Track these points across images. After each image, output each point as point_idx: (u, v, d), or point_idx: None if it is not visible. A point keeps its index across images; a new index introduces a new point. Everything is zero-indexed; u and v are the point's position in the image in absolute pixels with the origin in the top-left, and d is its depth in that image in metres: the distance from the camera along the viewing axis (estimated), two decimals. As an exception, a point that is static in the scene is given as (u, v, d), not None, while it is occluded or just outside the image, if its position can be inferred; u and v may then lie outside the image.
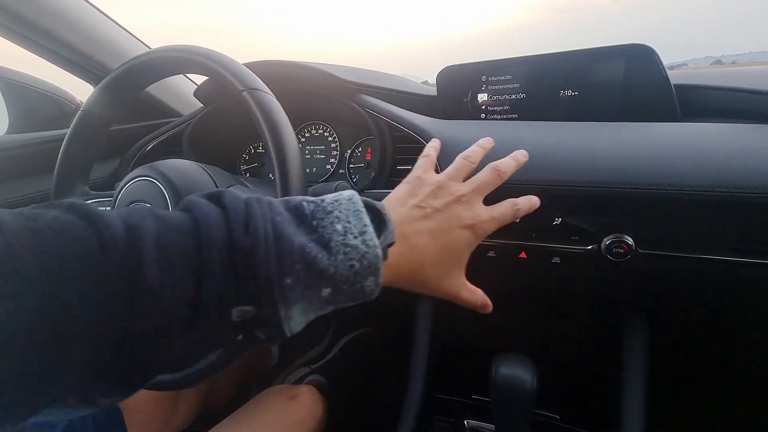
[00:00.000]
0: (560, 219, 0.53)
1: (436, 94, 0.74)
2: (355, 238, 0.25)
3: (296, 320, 0.25)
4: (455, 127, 0.61)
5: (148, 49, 0.53)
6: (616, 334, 0.58)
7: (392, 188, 0.63)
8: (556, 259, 0.54)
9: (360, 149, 0.79)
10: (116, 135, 0.84)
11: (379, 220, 0.28)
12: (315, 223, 0.26)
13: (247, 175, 0.89)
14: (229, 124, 0.81)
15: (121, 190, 0.48)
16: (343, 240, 0.25)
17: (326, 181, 0.82)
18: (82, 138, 0.55)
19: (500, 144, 0.55)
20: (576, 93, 0.63)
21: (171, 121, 0.81)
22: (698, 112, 0.56)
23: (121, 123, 0.87)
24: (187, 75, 0.97)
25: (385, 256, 0.27)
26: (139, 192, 0.47)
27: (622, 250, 0.48)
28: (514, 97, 0.68)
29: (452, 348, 0.74)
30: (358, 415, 0.75)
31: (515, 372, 0.47)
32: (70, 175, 0.56)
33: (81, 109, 0.55)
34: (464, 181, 0.39)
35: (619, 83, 0.59)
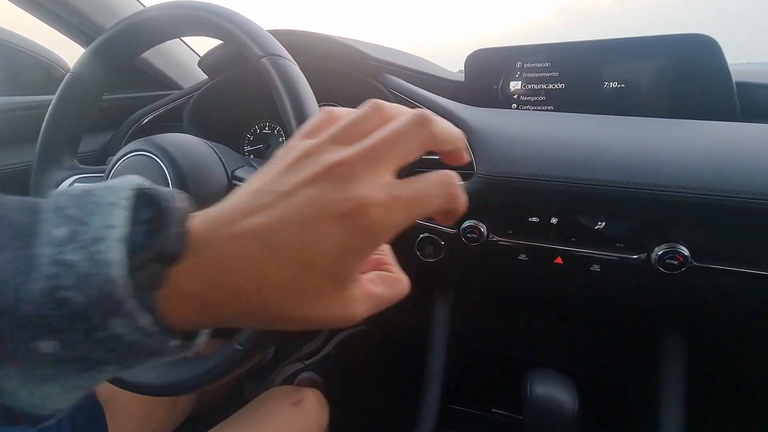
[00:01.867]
0: (604, 223, 0.48)
1: (462, 80, 0.68)
2: (79, 249, 0.15)
3: (27, 400, 0.16)
4: (497, 118, 0.55)
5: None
6: (651, 350, 0.54)
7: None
8: (596, 267, 0.49)
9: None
10: (110, 105, 0.76)
11: (160, 217, 0.17)
12: (44, 228, 0.16)
13: (251, 157, 0.82)
14: (235, 100, 0.74)
15: (114, 165, 0.42)
16: (56, 255, 0.15)
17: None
18: (70, 104, 0.49)
19: (541, 137, 0.50)
20: (622, 85, 0.57)
21: (170, 94, 0.74)
22: (761, 113, 0.51)
23: (115, 92, 0.79)
24: (189, 44, 0.89)
25: (157, 280, 0.17)
26: (134, 168, 0.41)
27: (676, 262, 0.43)
28: (551, 86, 0.62)
29: (468, 354, 0.69)
30: (365, 424, 0.71)
31: (553, 392, 0.42)
32: (55, 145, 0.49)
33: (69, 71, 0.49)
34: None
35: (673, 76, 0.54)
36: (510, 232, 0.51)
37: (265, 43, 0.39)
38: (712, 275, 0.44)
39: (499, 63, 0.65)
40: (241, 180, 0.42)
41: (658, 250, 0.44)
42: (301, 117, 0.37)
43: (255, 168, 0.47)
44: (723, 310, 0.48)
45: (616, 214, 0.47)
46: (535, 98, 0.64)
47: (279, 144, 0.80)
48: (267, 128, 0.81)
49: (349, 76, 0.63)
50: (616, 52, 0.57)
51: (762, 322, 0.48)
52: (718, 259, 0.43)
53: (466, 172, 0.52)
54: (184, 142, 0.42)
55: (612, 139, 0.47)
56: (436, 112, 0.55)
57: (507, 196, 0.49)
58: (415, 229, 0.55)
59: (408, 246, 0.56)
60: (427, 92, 0.58)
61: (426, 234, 0.55)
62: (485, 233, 0.51)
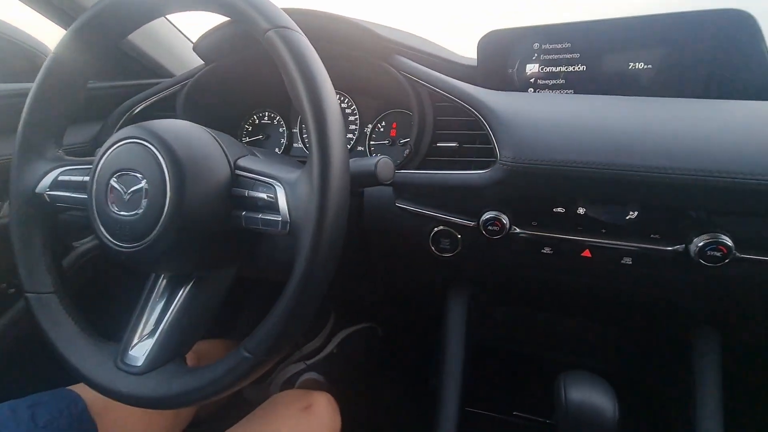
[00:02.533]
0: (636, 213, 0.45)
1: (475, 64, 0.64)
2: None
3: None
4: (520, 101, 0.51)
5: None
6: (683, 347, 0.51)
7: (428, 170, 0.56)
8: (627, 260, 0.46)
9: (383, 124, 0.69)
10: (98, 95, 0.72)
11: None
12: None
13: (250, 148, 0.78)
14: (232, 87, 0.70)
15: (103, 155, 0.38)
16: None
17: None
18: (52, 90, 0.44)
19: (569, 120, 0.46)
20: (650, 66, 0.53)
21: (162, 81, 0.70)
22: None
23: (104, 80, 0.74)
24: (180, 30, 0.84)
25: None
26: (126, 158, 0.36)
27: (719, 254, 0.40)
28: (571, 68, 0.58)
29: (485, 353, 0.66)
30: (377, 426, 0.68)
31: (591, 397, 0.39)
32: (37, 135, 0.45)
33: (51, 54, 0.44)
34: None
35: (707, 55, 0.50)
36: (534, 223, 0.48)
37: (271, 14, 0.34)
38: (757, 267, 0.41)
39: (515, 44, 0.61)
40: (244, 170, 0.38)
41: (699, 242, 0.40)
42: (315, 98, 0.33)
43: (258, 157, 0.42)
44: (763, 304, 0.45)
45: (652, 202, 0.43)
46: (554, 81, 0.60)
47: (280, 135, 0.76)
48: (266, 118, 0.77)
49: (356, 59, 0.59)
50: (643, 31, 0.53)
51: None
52: (766, 249, 0.40)
53: (487, 160, 0.48)
54: (181, 129, 0.38)
55: (647, 122, 0.44)
56: (453, 95, 0.52)
57: (532, 185, 0.45)
58: (429, 221, 0.51)
59: (421, 240, 0.52)
60: (445, 76, 0.54)
61: (441, 227, 0.51)
62: (507, 225, 0.47)
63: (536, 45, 0.60)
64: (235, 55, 0.63)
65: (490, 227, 0.47)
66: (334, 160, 0.32)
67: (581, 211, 0.46)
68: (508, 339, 0.67)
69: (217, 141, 0.39)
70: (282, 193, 0.35)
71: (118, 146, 0.37)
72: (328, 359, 0.94)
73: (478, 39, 0.63)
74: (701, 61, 0.51)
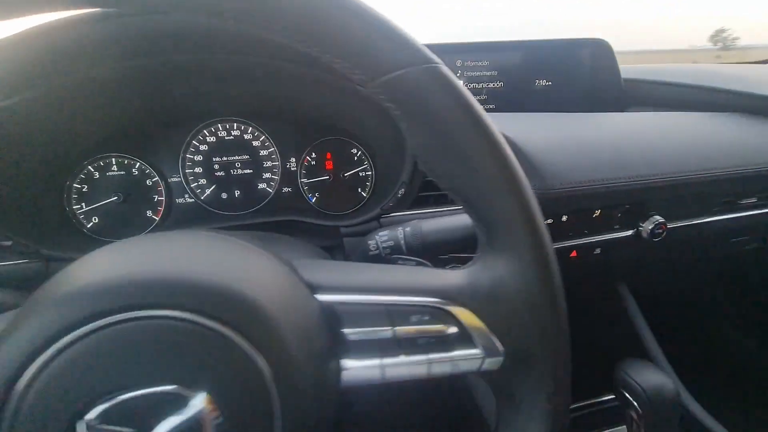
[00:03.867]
0: (600, 211, 0.53)
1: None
2: None
3: None
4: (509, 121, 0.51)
5: None
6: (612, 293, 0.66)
7: (422, 208, 0.48)
8: (597, 250, 0.54)
9: (313, 156, 0.55)
10: None
11: None
12: None
13: (95, 221, 0.48)
14: (42, 127, 0.40)
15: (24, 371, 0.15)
16: None
17: (261, 209, 0.54)
18: None
19: (524, 142, 0.49)
20: (549, 83, 0.63)
21: None
22: (642, 102, 0.67)
23: None
24: None
25: None
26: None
27: (660, 230, 0.52)
28: (492, 85, 0.62)
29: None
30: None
31: (655, 379, 0.45)
32: None
33: None
34: None
35: (588, 74, 0.63)
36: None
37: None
38: (679, 232, 0.56)
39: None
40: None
41: (648, 225, 0.52)
42: (510, 176, 0.22)
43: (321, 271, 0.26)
44: (667, 262, 0.63)
45: (612, 203, 0.52)
46: (478, 97, 0.63)
47: (147, 190, 0.50)
48: (112, 167, 0.48)
49: (297, 77, 0.44)
50: (544, 52, 0.62)
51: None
52: (678, 219, 0.56)
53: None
54: (264, 279, 0.19)
55: (594, 139, 0.52)
56: None
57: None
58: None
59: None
60: None
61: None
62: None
63: (459, 62, 0.61)
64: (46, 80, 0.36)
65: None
66: (542, 228, 0.23)
67: (564, 218, 0.51)
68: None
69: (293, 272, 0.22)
70: (462, 309, 0.23)
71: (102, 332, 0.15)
72: None
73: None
74: (584, 79, 0.64)
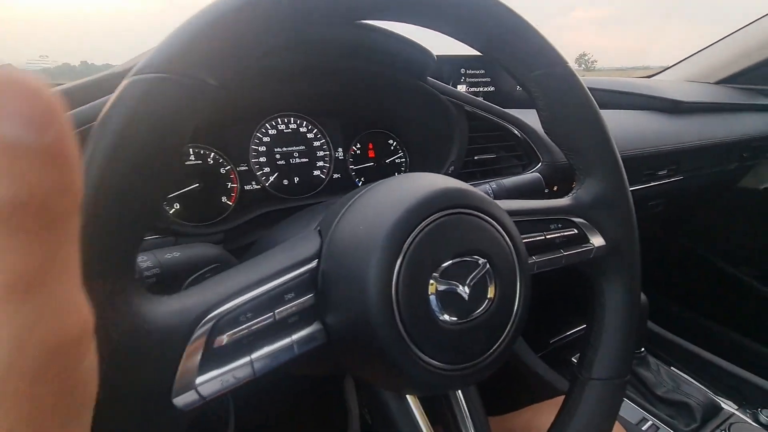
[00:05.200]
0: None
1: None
2: None
3: None
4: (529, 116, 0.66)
5: None
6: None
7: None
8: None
9: (358, 146, 0.64)
10: None
11: None
12: None
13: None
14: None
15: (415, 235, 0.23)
16: None
17: (318, 193, 0.61)
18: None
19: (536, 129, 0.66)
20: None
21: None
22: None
23: None
24: None
25: None
26: (461, 236, 0.25)
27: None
28: (486, 89, 0.78)
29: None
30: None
31: None
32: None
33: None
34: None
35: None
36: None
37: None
38: None
39: (447, 69, 0.74)
40: (518, 213, 0.35)
41: None
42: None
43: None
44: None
45: None
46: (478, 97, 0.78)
47: (222, 178, 0.54)
48: (192, 156, 0.52)
49: (369, 73, 0.54)
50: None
51: None
52: None
53: (521, 164, 0.61)
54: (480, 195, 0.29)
55: None
56: (491, 114, 0.60)
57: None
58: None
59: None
60: (468, 95, 0.61)
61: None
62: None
63: (463, 70, 0.75)
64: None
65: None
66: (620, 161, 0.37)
67: (555, 189, 0.68)
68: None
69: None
70: (579, 220, 0.35)
71: (438, 220, 0.24)
72: None
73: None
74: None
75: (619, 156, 0.37)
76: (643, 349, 0.60)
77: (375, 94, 0.59)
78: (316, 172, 0.62)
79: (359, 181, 0.64)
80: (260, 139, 0.58)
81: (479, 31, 0.31)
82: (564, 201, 0.36)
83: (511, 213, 0.33)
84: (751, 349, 1.10)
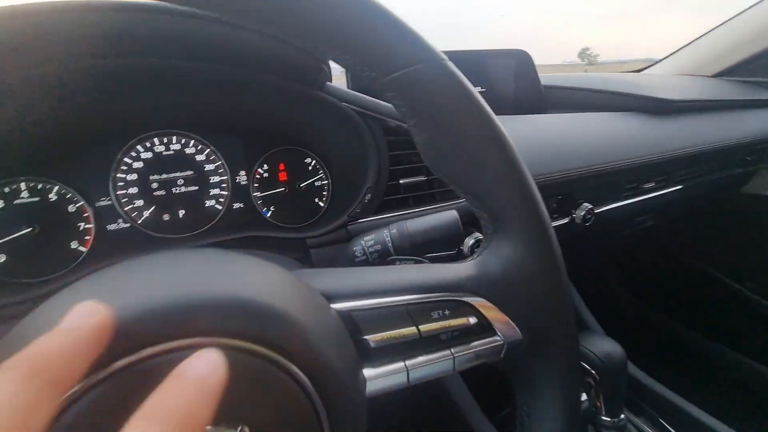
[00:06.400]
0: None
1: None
2: None
3: None
4: None
5: None
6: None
7: (389, 212, 0.48)
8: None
9: (264, 168, 0.52)
10: None
11: None
12: None
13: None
14: None
15: None
16: None
17: (212, 228, 0.50)
18: None
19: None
20: (484, 89, 0.68)
21: None
22: (558, 105, 0.75)
23: None
24: None
25: None
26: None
27: (590, 215, 0.60)
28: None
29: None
30: None
31: (605, 346, 0.50)
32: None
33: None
34: None
35: (513, 80, 0.70)
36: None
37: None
38: (604, 215, 0.64)
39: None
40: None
41: (580, 212, 0.59)
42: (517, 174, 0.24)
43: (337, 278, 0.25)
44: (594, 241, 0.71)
45: (547, 194, 0.58)
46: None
47: (69, 218, 0.42)
48: (24, 192, 0.40)
49: (253, 84, 0.42)
50: (478, 60, 0.67)
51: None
52: (602, 204, 0.64)
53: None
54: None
55: (547, 137, 0.58)
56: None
57: None
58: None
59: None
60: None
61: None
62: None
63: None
64: None
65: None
66: (545, 211, 0.25)
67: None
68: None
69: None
70: (480, 300, 0.23)
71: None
72: None
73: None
74: (510, 86, 0.70)
75: (538, 196, 0.24)
76: (623, 416, 0.49)
77: (277, 105, 0.47)
78: (210, 203, 0.50)
79: (267, 211, 0.52)
80: (128, 165, 0.46)
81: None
82: (459, 269, 0.24)
83: (351, 296, 0.21)
84: (760, 372, 0.98)
